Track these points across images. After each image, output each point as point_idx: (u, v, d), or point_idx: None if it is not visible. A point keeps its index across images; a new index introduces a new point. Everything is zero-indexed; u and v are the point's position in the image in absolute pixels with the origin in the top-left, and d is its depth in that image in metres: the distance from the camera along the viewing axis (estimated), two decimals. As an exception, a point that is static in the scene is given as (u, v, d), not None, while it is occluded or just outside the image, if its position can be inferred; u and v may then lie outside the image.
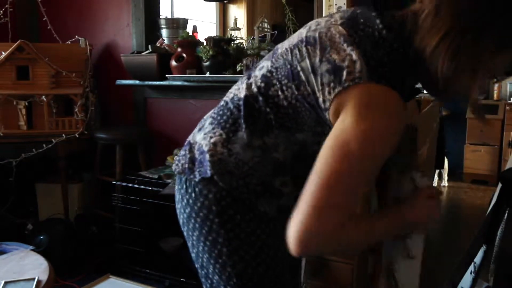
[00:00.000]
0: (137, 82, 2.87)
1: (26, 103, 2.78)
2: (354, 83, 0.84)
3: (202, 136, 1.05)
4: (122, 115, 3.23)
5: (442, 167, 4.40)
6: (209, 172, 0.99)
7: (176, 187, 1.09)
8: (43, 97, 2.77)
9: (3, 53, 2.76)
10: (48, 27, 3.12)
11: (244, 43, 2.80)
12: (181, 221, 1.09)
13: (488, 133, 4.67)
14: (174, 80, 2.71)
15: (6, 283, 1.63)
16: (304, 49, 0.94)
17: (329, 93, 0.87)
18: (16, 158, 2.79)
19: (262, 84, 0.98)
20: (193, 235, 1.05)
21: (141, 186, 2.53)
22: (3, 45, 2.83)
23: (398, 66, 0.88)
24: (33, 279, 1.64)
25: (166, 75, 2.69)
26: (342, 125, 0.84)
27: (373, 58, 0.86)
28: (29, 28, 3.33)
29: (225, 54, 2.58)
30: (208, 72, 2.59)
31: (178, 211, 1.10)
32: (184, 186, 1.04)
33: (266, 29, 2.93)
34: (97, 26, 3.26)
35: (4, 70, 2.76)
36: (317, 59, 0.90)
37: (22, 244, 2.48)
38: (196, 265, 1.10)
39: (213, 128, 1.03)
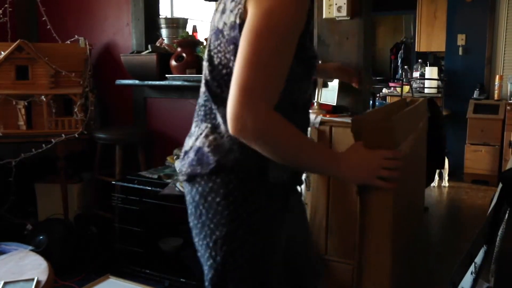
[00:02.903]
0: (136, 82, 2.87)
1: (26, 103, 2.78)
2: None
3: (193, 140, 1.12)
4: (121, 115, 3.23)
5: (442, 167, 4.39)
6: (212, 161, 1.05)
7: (186, 197, 1.15)
8: (43, 97, 2.77)
9: (2, 52, 2.75)
10: (48, 27, 3.12)
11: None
12: (189, 211, 1.14)
13: (489, 133, 4.66)
14: (174, 80, 2.71)
15: (5, 283, 1.63)
16: (217, 13, 1.08)
17: (237, 10, 0.98)
18: (16, 158, 2.79)
19: (207, 64, 1.09)
20: (197, 226, 1.11)
21: (141, 186, 2.53)
22: (3, 44, 2.82)
23: None
24: (33, 279, 1.64)
25: (166, 75, 2.68)
26: (250, 17, 0.94)
27: None
28: (28, 27, 3.32)
29: (225, 54, 2.57)
30: (208, 72, 2.58)
31: (188, 211, 1.14)
32: (194, 188, 1.10)
33: (266, 29, 2.92)
34: (96, 25, 3.25)
35: (4, 70, 2.76)
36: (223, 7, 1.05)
37: (22, 245, 2.47)
38: (198, 254, 1.18)
39: (198, 127, 1.12)
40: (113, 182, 2.71)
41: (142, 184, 2.54)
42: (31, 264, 1.78)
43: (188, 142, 1.13)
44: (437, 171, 4.44)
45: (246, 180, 1.05)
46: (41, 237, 2.61)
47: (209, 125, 1.09)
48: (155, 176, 2.61)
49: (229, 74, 0.99)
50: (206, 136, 1.07)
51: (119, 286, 2.42)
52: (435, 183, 4.56)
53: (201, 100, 1.14)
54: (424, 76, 5.74)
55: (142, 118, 3.11)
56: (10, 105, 2.76)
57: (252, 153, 0.99)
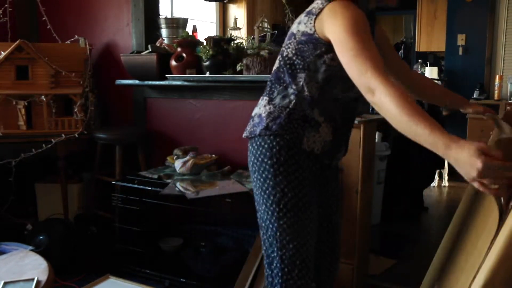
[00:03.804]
0: (136, 82, 2.87)
1: (26, 103, 2.78)
2: (321, 7, 1.30)
3: (257, 108, 1.47)
4: (121, 115, 3.23)
5: (442, 167, 4.39)
6: (264, 123, 1.40)
7: (248, 152, 1.48)
8: (43, 97, 2.77)
9: (2, 52, 2.75)
10: (48, 27, 3.12)
11: (244, 43, 2.79)
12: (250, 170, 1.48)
13: (489, 133, 4.66)
14: (174, 80, 2.71)
15: (5, 283, 1.63)
16: (295, 23, 1.44)
17: (310, 22, 1.33)
18: (16, 158, 2.78)
19: (279, 55, 1.46)
20: (253, 178, 1.45)
21: (141, 186, 2.53)
22: (3, 44, 2.82)
23: None
24: (33, 279, 1.64)
25: (166, 75, 2.68)
26: (332, 28, 1.27)
27: None
28: (28, 27, 3.32)
29: (225, 54, 2.57)
30: (208, 72, 2.58)
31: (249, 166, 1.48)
32: (251, 146, 1.45)
33: (266, 29, 2.92)
34: (96, 25, 3.25)
35: (4, 70, 2.76)
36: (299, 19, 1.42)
37: (22, 244, 2.47)
38: (256, 206, 1.48)
39: (262, 99, 1.48)
40: (113, 182, 2.71)
41: (142, 184, 2.54)
42: (31, 264, 1.78)
43: (254, 110, 1.48)
44: (437, 171, 4.45)
45: (287, 146, 1.37)
46: (41, 237, 2.61)
47: (267, 98, 1.44)
48: (155, 176, 2.61)
49: (290, 64, 1.39)
50: (264, 106, 1.43)
51: (119, 286, 2.42)
52: (435, 183, 4.56)
53: (268, 80, 1.48)
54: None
55: (142, 118, 3.11)
56: (10, 105, 2.76)
57: (294, 123, 1.36)
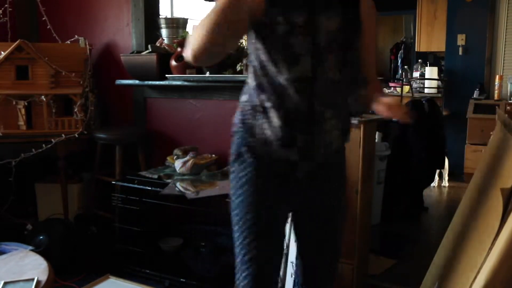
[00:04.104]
0: (136, 82, 2.87)
1: (26, 103, 2.78)
2: None
3: None
4: (121, 115, 3.23)
5: (442, 167, 4.39)
6: (234, 125, 1.38)
7: None
8: (43, 97, 2.77)
9: (2, 52, 2.75)
10: (48, 27, 3.12)
11: (244, 43, 2.79)
12: None
13: (489, 133, 4.64)
14: (174, 80, 2.70)
15: (5, 283, 1.62)
16: None
17: None
18: (16, 158, 2.78)
19: None
20: None
21: (141, 186, 2.53)
22: (3, 44, 2.82)
23: None
24: (33, 279, 1.64)
25: (166, 75, 2.68)
26: None
27: None
28: (28, 27, 3.32)
29: (225, 54, 2.57)
30: (208, 72, 2.58)
31: None
32: None
33: (266, 29, 2.91)
34: (96, 25, 3.25)
35: (4, 70, 2.76)
36: None
37: (22, 244, 2.47)
38: None
39: None
40: (113, 182, 2.71)
41: (142, 184, 2.54)
42: (31, 264, 1.78)
43: None
44: (437, 171, 4.45)
45: (241, 139, 1.34)
46: (41, 237, 2.61)
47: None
48: (155, 176, 2.61)
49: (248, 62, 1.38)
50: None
51: (119, 286, 2.42)
52: (435, 183, 4.56)
53: None
54: (424, 76, 5.74)
55: (142, 118, 3.11)
56: (10, 105, 2.76)
57: (246, 116, 1.32)
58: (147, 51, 2.81)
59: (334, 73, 1.29)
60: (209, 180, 2.51)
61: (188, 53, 1.18)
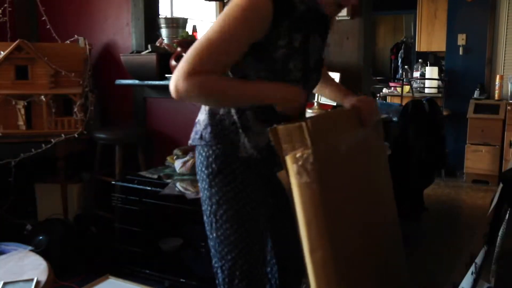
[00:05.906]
0: (136, 81, 2.87)
1: (25, 103, 2.77)
2: None
3: (199, 113, 1.41)
4: (121, 115, 3.22)
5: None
6: (199, 132, 1.34)
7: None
8: (42, 97, 2.77)
9: (1, 52, 2.75)
10: (47, 27, 3.11)
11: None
12: None
13: (489, 133, 4.66)
14: (174, 80, 2.70)
15: (5, 283, 1.62)
16: None
17: None
18: (15, 158, 2.78)
19: None
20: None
21: (141, 186, 2.52)
22: (2, 44, 2.82)
23: None
24: (32, 279, 1.63)
25: (166, 75, 2.68)
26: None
27: None
28: (28, 27, 3.32)
29: (225, 54, 2.56)
30: (208, 72, 2.57)
31: None
32: (196, 156, 1.38)
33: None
34: (96, 25, 3.25)
35: (3, 70, 2.75)
36: None
37: (21, 245, 2.47)
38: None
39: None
40: (113, 182, 2.71)
41: (142, 184, 2.53)
42: (31, 264, 1.77)
43: (198, 115, 1.41)
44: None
45: (222, 155, 1.29)
46: (40, 237, 2.61)
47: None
48: (155, 176, 2.61)
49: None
50: (201, 113, 1.37)
51: (119, 286, 2.42)
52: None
53: None
54: (424, 76, 5.74)
55: (142, 118, 3.11)
56: (10, 105, 2.76)
57: (225, 131, 1.28)
58: (147, 51, 2.81)
59: (311, 91, 1.41)
60: (209, 180, 2.50)
61: (181, 87, 1.12)
